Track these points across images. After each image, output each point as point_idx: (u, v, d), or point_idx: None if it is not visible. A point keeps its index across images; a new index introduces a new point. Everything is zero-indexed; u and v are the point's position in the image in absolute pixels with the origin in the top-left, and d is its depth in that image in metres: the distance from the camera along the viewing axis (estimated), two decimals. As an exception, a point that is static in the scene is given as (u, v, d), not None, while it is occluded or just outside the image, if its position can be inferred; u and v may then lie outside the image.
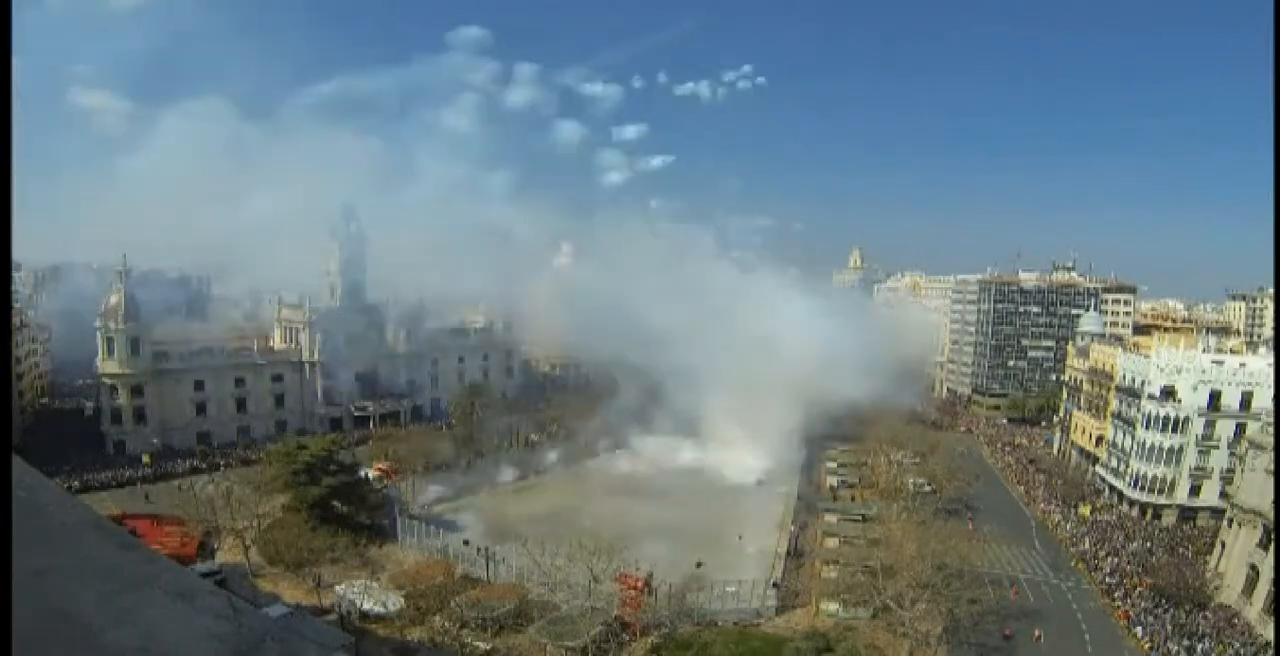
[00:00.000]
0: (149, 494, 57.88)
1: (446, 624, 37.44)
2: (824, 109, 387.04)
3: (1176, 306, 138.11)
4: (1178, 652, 40.48)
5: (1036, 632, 41.42)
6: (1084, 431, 79.15)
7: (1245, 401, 61.86)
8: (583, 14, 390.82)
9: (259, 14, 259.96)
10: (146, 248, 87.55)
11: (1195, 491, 63.51)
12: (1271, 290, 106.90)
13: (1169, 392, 63.70)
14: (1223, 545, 49.00)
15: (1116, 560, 53.69)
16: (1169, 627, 43.03)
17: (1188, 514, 63.45)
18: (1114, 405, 71.13)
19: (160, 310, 78.28)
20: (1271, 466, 43.54)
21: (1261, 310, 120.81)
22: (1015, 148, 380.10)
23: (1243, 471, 49.63)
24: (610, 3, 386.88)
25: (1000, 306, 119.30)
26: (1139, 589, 48.06)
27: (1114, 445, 70.20)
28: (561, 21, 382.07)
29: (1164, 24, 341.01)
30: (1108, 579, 50.34)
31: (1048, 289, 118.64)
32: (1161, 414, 63.81)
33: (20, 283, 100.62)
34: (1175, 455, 63.49)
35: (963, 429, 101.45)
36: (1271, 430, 46.87)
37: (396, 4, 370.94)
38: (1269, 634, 40.45)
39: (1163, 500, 64.18)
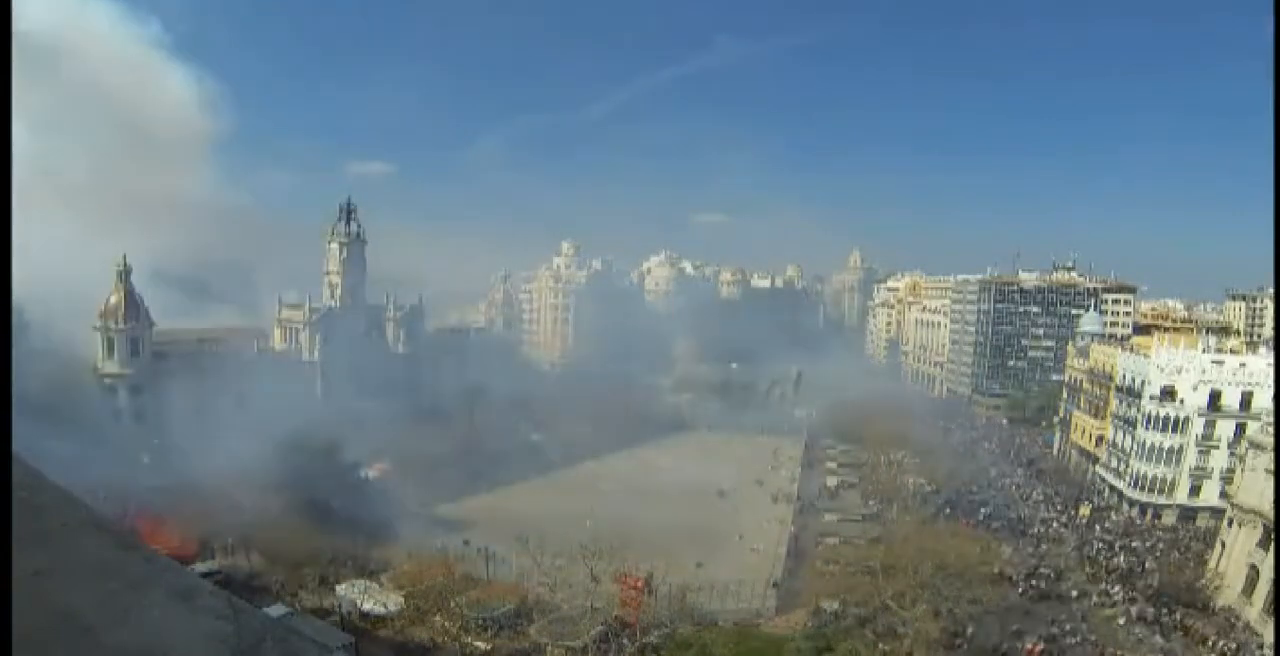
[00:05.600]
0: (149, 494, 57.80)
1: (446, 624, 37.45)
2: (821, 107, 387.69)
3: (1176, 306, 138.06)
4: (1177, 653, 40.50)
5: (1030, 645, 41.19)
6: (1084, 431, 79.13)
7: (1245, 401, 61.85)
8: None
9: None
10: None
11: (1195, 491, 63.50)
12: (1271, 290, 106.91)
13: (1169, 392, 63.68)
14: (1223, 545, 48.98)
15: (1116, 560, 53.71)
16: (1168, 628, 43.06)
17: (1188, 514, 63.43)
18: (1114, 405, 71.10)
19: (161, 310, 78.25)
20: (1271, 466, 43.52)
21: (1261, 310, 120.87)
22: (1015, 147, 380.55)
23: (1243, 471, 49.62)
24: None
25: (1000, 306, 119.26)
26: (1138, 589, 48.05)
27: (1114, 445, 70.19)
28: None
29: (1163, 22, 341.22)
30: (1106, 579, 50.33)
31: (1048, 289, 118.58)
32: (1161, 414, 63.79)
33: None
34: (1175, 455, 63.49)
35: (961, 428, 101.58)
36: (1271, 430, 46.88)
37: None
38: (1269, 634, 40.42)
39: (1163, 500, 64.17)
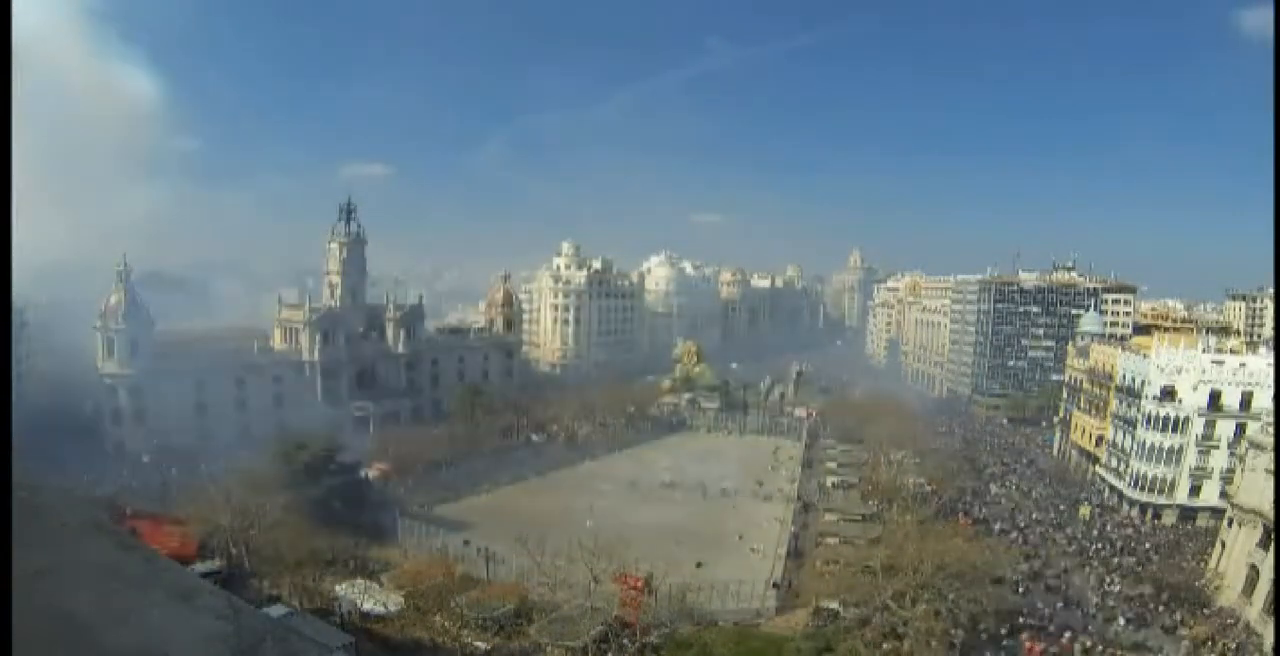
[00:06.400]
0: (149, 494, 57.85)
1: (446, 624, 37.42)
2: (821, 107, 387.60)
3: (1176, 306, 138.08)
4: (1176, 653, 40.50)
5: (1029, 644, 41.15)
6: (1084, 431, 79.14)
7: (1245, 401, 61.87)
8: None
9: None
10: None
11: (1195, 491, 63.53)
12: (1271, 290, 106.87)
13: (1169, 392, 63.68)
14: (1223, 545, 49.00)
15: (1116, 560, 53.71)
16: (1168, 628, 43.06)
17: (1188, 514, 63.47)
18: (1114, 405, 71.11)
19: (160, 310, 78.36)
20: (1271, 466, 43.54)
21: (1261, 310, 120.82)
22: (1015, 147, 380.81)
23: (1243, 471, 49.62)
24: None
25: (1000, 306, 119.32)
26: (1138, 589, 48.06)
27: (1114, 445, 70.20)
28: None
29: (1163, 21, 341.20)
30: (1106, 578, 50.32)
31: (1048, 289, 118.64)
32: (1161, 414, 63.80)
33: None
34: (1175, 455, 63.50)
35: (961, 428, 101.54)
36: (1271, 430, 46.88)
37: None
38: (1269, 634, 40.43)
39: (1163, 500, 64.19)
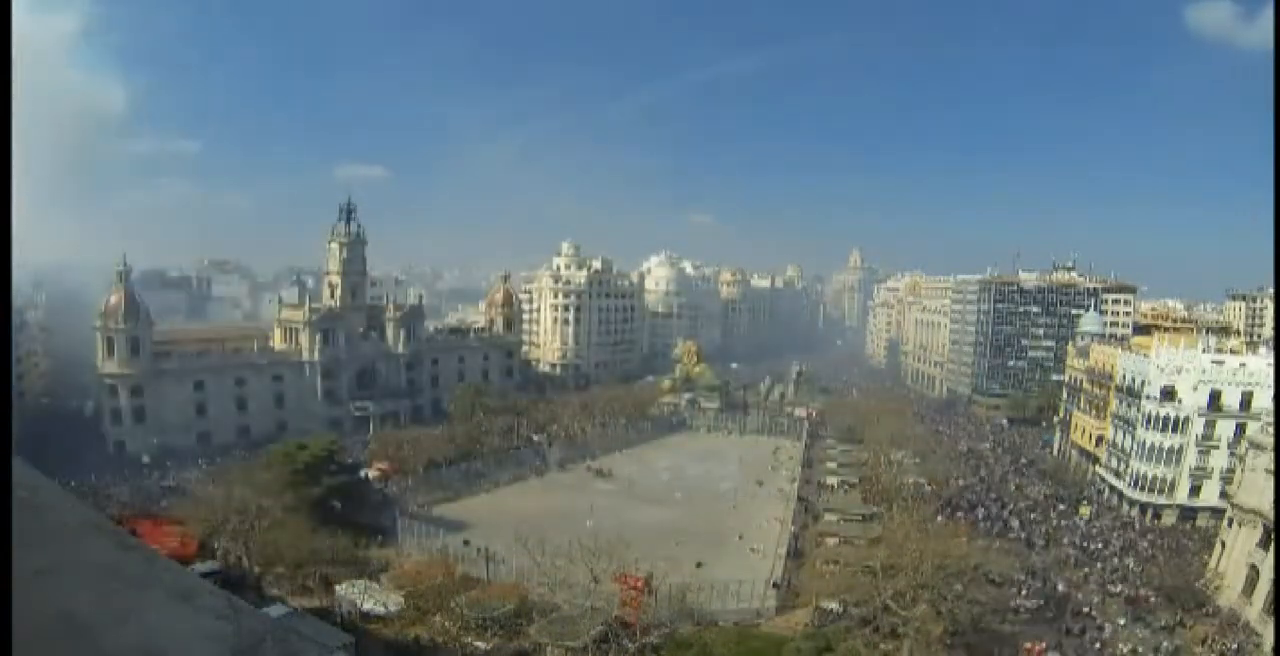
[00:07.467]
0: (149, 494, 57.89)
1: (446, 624, 37.43)
2: (820, 108, 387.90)
3: (1176, 306, 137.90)
4: (1177, 653, 40.51)
5: (1029, 644, 41.11)
6: (1084, 431, 79.14)
7: (1245, 401, 61.85)
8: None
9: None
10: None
11: (1195, 491, 63.53)
12: (1271, 290, 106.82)
13: (1169, 393, 63.67)
14: (1223, 545, 49.00)
15: (1116, 560, 53.72)
16: (1168, 628, 43.06)
17: (1188, 514, 63.47)
18: (1114, 405, 71.11)
19: (160, 310, 78.42)
20: (1271, 466, 43.53)
21: (1261, 310, 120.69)
22: (1015, 147, 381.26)
23: (1243, 471, 49.62)
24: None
25: (1000, 306, 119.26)
26: (1138, 589, 48.08)
27: (1114, 445, 70.20)
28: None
29: (1163, 18, 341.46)
30: (1106, 579, 50.33)
31: (1048, 289, 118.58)
32: (1161, 414, 63.80)
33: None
34: (1175, 455, 63.50)
35: (961, 428, 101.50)
36: (1271, 430, 46.87)
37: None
38: (1269, 634, 40.43)
39: (1163, 500, 64.19)
